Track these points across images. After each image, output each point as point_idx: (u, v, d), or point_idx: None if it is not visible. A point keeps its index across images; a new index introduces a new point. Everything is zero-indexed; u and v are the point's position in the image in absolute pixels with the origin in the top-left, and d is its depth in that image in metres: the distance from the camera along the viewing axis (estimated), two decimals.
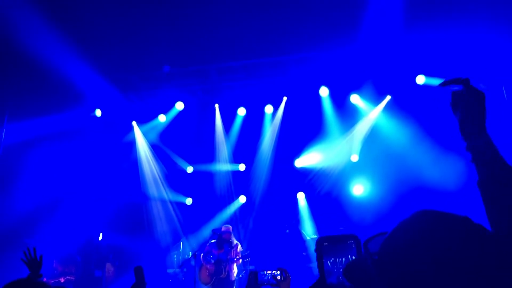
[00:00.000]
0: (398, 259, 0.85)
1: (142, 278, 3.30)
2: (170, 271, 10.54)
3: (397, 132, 10.43)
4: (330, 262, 0.92)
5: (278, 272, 3.17)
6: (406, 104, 10.31)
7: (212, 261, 8.65)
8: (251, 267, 10.27)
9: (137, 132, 11.90)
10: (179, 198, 11.98)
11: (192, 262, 9.94)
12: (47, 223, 9.72)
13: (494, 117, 8.96)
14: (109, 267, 10.25)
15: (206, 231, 10.65)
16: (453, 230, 0.86)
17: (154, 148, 12.03)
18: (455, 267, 0.81)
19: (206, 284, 8.57)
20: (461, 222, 0.89)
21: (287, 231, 10.29)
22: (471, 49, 8.98)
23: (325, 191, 11.04)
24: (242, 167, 11.96)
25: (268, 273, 3.20)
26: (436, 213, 0.91)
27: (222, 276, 8.49)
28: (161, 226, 11.47)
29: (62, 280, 8.35)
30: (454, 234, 0.86)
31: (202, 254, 8.76)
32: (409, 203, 9.50)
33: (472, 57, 9.11)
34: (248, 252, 8.79)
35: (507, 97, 8.98)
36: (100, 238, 10.62)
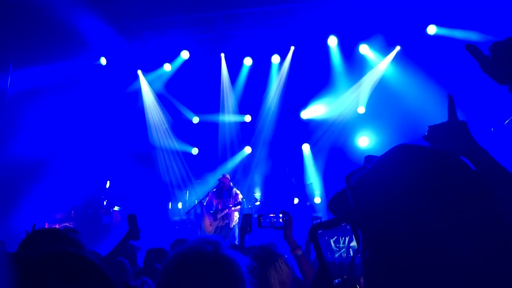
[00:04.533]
0: (371, 188, 0.83)
1: (136, 226, 3.38)
2: (176, 218, 10.79)
3: (406, 84, 10.26)
4: (333, 241, 0.91)
5: (281, 215, 3.20)
6: (416, 55, 10.08)
7: (211, 210, 8.89)
8: (255, 215, 10.47)
9: (143, 81, 11.81)
10: (185, 148, 12.06)
11: (198, 210, 10.17)
12: (53, 172, 9.87)
13: None
14: (116, 214, 10.50)
15: (211, 181, 10.78)
16: (430, 162, 0.84)
17: (160, 97, 11.98)
18: (429, 199, 0.79)
19: (209, 233, 8.84)
20: (442, 155, 0.85)
21: (293, 180, 10.39)
22: None
23: (330, 143, 11.04)
24: (247, 118, 11.93)
25: (271, 216, 3.23)
26: (416, 146, 0.88)
27: (221, 224, 8.73)
28: (167, 175, 11.62)
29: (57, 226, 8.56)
30: (431, 166, 0.83)
31: (205, 203, 8.98)
32: None
33: (487, 5, 8.80)
34: (255, 201, 8.95)
35: None
36: (107, 185, 10.81)
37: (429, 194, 0.78)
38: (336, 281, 0.94)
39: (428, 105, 9.57)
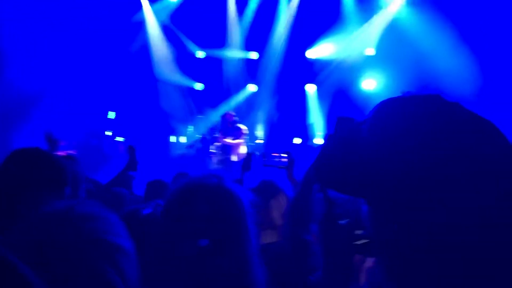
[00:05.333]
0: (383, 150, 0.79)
1: (134, 157, 3.42)
2: (179, 152, 10.91)
3: (418, 27, 9.93)
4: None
5: (285, 155, 3.21)
6: None
7: (215, 146, 9.00)
8: (257, 153, 10.56)
9: (147, 11, 11.45)
10: (190, 82, 11.93)
11: (200, 145, 10.27)
12: (55, 102, 9.83)
13: None
14: (120, 144, 10.60)
15: (214, 116, 10.77)
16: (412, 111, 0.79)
17: (164, 29, 11.67)
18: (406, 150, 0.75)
19: (218, 167, 8.99)
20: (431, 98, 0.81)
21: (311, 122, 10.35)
22: None
23: (335, 84, 10.89)
24: (254, 55, 11.70)
25: (275, 155, 3.24)
26: (401, 97, 0.83)
27: (225, 158, 8.84)
28: (171, 108, 11.58)
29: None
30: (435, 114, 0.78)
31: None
32: None
33: None
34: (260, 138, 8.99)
35: None
36: (113, 116, 10.84)
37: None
38: (343, 222, 0.93)
39: (439, 51, 9.34)
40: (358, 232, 0.92)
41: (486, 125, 0.78)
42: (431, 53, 9.36)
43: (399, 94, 0.88)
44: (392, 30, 10.33)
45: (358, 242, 0.91)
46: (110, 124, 10.97)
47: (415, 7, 10.02)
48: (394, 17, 10.40)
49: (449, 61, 9.09)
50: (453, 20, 9.21)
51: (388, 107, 0.84)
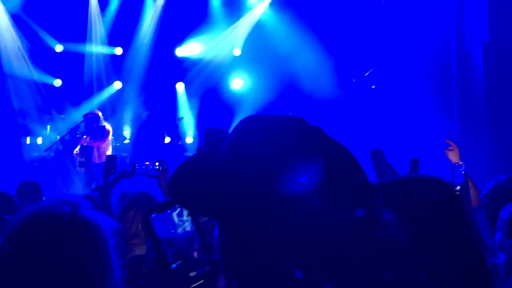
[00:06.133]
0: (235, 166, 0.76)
1: None
2: (35, 154, 9.94)
3: (281, 30, 10.46)
4: (175, 214, 0.82)
5: (157, 163, 3.12)
6: (293, 2, 10.27)
7: (77, 148, 8.43)
8: (124, 154, 10.13)
9: None
10: (47, 78, 10.92)
11: (60, 147, 9.48)
12: None
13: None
14: None
15: (76, 116, 10.01)
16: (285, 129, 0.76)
17: (15, 19, 10.50)
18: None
19: (80, 169, 8.40)
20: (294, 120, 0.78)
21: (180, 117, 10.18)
22: None
23: (205, 83, 10.94)
24: (118, 50, 11.16)
25: (147, 164, 3.14)
26: (264, 116, 0.82)
27: (89, 160, 8.32)
28: (24, 106, 10.47)
29: None
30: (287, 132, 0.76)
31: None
32: (286, 104, 9.93)
33: None
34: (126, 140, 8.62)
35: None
36: None
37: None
38: (174, 265, 0.86)
39: (300, 52, 9.95)
40: (192, 274, 0.87)
41: (341, 153, 0.77)
42: (293, 54, 9.93)
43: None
44: (258, 32, 10.72)
45: (194, 286, 0.85)
46: None
47: (278, 10, 10.53)
48: (259, 19, 10.80)
49: (309, 61, 9.73)
50: (312, 22, 9.89)
51: (249, 124, 0.79)
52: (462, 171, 2.75)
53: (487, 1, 7.63)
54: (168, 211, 0.87)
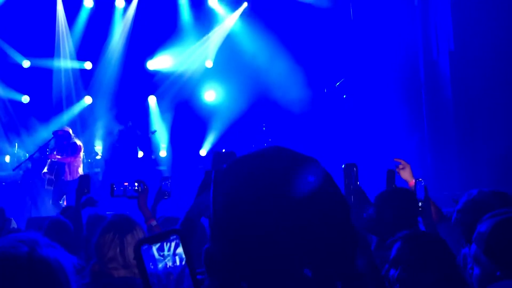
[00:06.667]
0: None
1: None
2: (3, 173, 9.63)
3: (252, 41, 10.51)
4: (155, 249, 0.79)
5: (136, 184, 3.08)
6: (262, 13, 10.33)
7: (47, 166, 8.16)
8: (96, 170, 9.94)
9: None
10: (13, 95, 10.64)
11: (29, 165, 9.22)
12: None
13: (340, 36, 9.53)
14: None
15: (45, 133, 9.76)
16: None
17: None
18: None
19: (49, 188, 8.16)
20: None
21: (138, 132, 10.02)
22: None
23: (177, 96, 10.86)
24: (88, 65, 10.98)
25: (126, 185, 3.10)
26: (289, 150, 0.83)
27: (60, 178, 8.07)
28: None
29: None
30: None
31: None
32: (258, 115, 9.97)
33: None
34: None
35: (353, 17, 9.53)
36: None
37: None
38: None
39: (272, 63, 10.01)
40: None
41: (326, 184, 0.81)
42: (265, 65, 10.00)
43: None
44: (229, 43, 10.74)
45: None
46: None
47: (249, 22, 10.58)
48: (230, 31, 10.82)
49: (280, 71, 9.82)
50: (283, 33, 9.98)
51: (238, 165, 0.85)
52: (422, 186, 2.75)
53: (450, 10, 7.84)
54: (146, 246, 0.84)
